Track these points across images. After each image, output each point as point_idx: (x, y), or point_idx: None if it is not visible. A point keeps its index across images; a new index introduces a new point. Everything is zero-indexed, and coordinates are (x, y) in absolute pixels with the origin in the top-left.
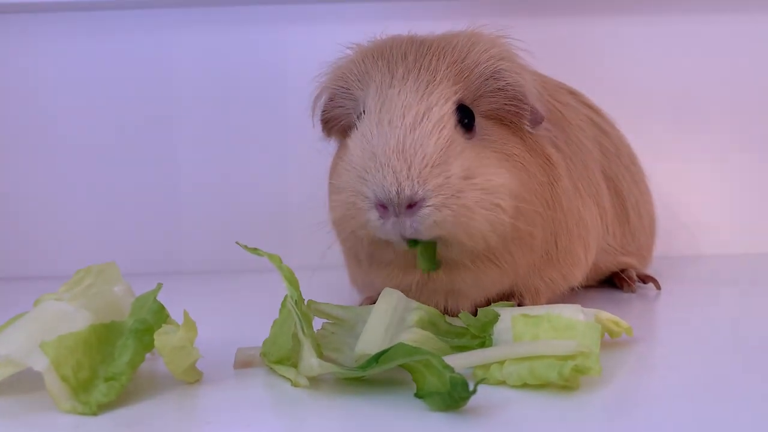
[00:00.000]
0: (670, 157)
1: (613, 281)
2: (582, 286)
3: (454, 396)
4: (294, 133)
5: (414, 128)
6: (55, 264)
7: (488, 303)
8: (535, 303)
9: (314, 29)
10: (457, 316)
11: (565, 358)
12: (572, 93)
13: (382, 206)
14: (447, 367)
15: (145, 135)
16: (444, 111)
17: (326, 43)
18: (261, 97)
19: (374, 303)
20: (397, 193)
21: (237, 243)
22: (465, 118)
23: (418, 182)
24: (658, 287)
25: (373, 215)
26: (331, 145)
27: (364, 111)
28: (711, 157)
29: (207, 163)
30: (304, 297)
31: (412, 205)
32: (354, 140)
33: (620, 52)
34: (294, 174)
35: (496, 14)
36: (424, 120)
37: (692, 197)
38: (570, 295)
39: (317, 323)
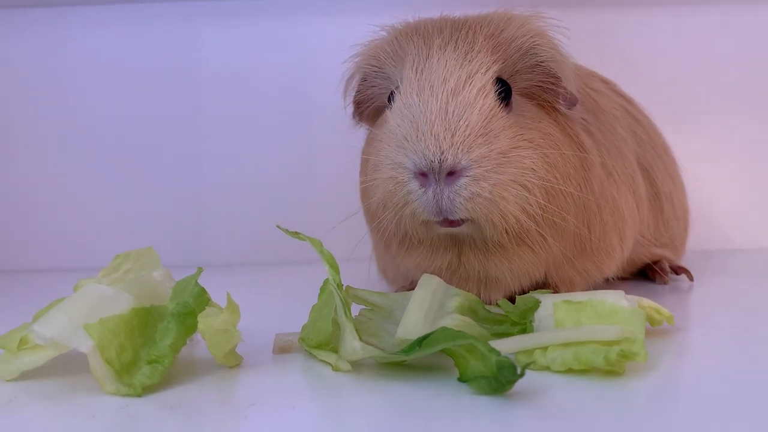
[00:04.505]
0: (703, 150)
1: (646, 273)
2: (615, 278)
3: (500, 379)
4: (321, 125)
5: (457, 93)
6: (85, 257)
7: (522, 294)
8: None
9: (341, 21)
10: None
11: (610, 343)
12: (605, 81)
13: (422, 174)
14: (493, 350)
15: (174, 128)
16: (486, 79)
17: (353, 35)
18: (288, 90)
19: (409, 292)
20: (440, 161)
21: (278, 227)
22: (502, 91)
23: (461, 151)
24: (691, 278)
25: (414, 185)
26: (361, 133)
27: (400, 84)
28: (744, 151)
29: (235, 157)
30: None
31: (451, 173)
32: (392, 111)
33: (650, 45)
34: (321, 166)
35: (524, 5)
36: (467, 86)
37: (724, 191)
38: (604, 287)
39: (354, 311)
